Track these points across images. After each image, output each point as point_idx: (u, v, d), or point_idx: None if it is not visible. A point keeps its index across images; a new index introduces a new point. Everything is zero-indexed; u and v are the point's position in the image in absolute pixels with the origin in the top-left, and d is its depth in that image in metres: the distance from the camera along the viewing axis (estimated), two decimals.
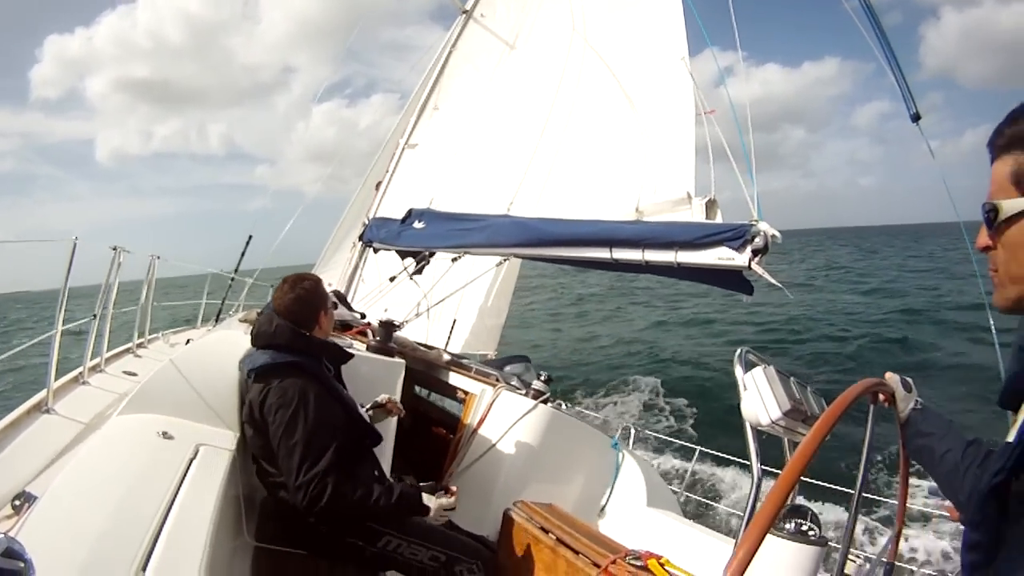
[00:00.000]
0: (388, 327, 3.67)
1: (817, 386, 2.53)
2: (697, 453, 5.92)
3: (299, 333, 2.56)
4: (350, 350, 3.27)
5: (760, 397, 2.09)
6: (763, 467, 2.32)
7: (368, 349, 3.44)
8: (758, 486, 2.22)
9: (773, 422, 2.09)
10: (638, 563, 2.52)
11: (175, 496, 1.92)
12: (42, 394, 3.18)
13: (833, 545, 3.93)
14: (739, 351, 2.32)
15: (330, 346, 2.74)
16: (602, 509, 3.58)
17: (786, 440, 2.54)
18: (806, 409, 2.16)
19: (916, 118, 3.63)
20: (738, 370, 2.23)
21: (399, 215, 4.43)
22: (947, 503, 1.68)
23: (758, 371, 2.13)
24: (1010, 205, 0.98)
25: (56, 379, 3.30)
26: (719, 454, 6.44)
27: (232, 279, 7.04)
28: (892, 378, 1.65)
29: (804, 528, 2.28)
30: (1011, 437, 0.88)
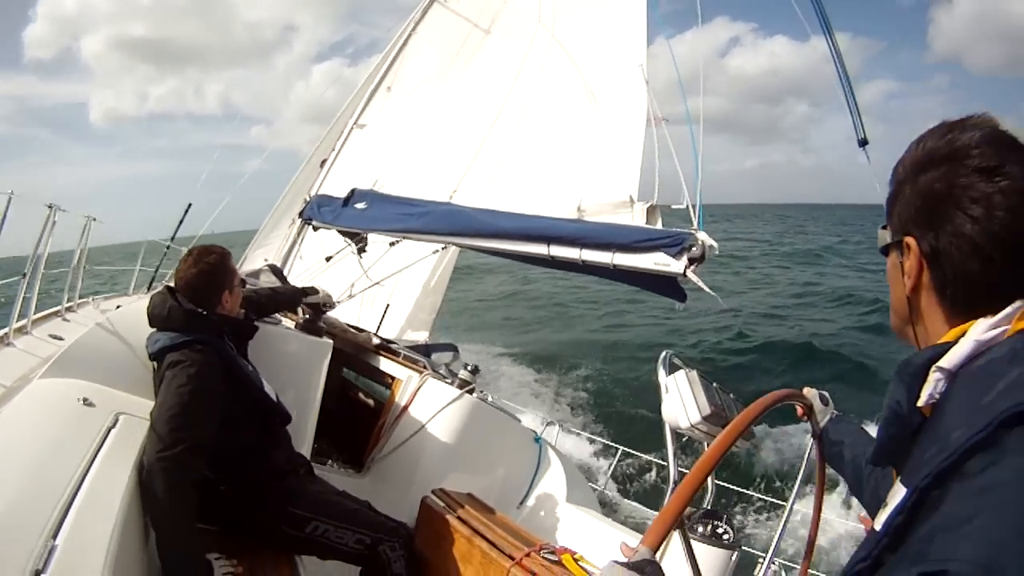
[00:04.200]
0: (277, 272, 3.64)
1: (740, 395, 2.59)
2: (620, 452, 6.02)
3: (193, 313, 2.44)
4: (277, 327, 3.20)
5: (681, 400, 2.12)
6: (681, 469, 2.37)
7: (296, 327, 3.38)
8: (675, 485, 2.26)
9: (693, 425, 2.12)
10: (552, 557, 2.55)
11: (91, 464, 1.87)
12: None
13: (749, 550, 4.07)
14: (664, 354, 2.35)
15: (231, 321, 2.62)
16: (521, 502, 3.61)
17: (706, 444, 2.60)
18: (726, 415, 2.21)
19: (863, 143, 3.73)
20: (661, 373, 2.26)
21: (341, 194, 4.36)
22: (863, 514, 1.76)
23: (680, 375, 2.17)
24: (881, 236, 0.97)
25: None
26: (641, 454, 6.58)
27: (168, 247, 6.80)
28: (811, 392, 1.71)
29: (719, 531, 2.33)
30: (879, 524, 0.82)
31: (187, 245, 6.70)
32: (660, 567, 0.89)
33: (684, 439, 2.35)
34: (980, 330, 0.82)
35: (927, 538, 0.69)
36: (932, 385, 0.83)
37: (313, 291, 3.45)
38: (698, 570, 1.23)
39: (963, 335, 0.83)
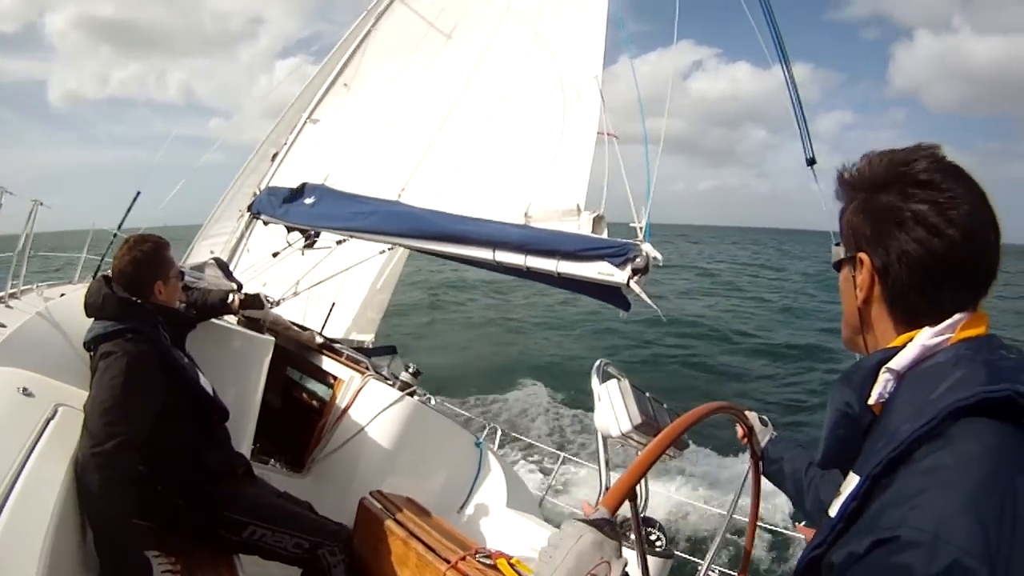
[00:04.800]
0: (223, 266, 3.59)
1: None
2: (561, 459, 6.07)
3: (128, 302, 2.41)
4: (217, 321, 3.14)
5: (612, 409, 2.14)
6: (613, 474, 2.39)
7: (238, 323, 3.32)
8: (605, 492, 2.28)
9: (624, 434, 2.14)
10: (487, 561, 2.56)
11: (28, 456, 1.84)
12: None
13: (686, 557, 4.13)
14: (597, 363, 2.37)
15: (166, 311, 2.60)
16: (462, 507, 3.61)
17: (636, 453, 2.63)
18: (658, 425, 2.24)
19: (811, 162, 3.84)
20: (594, 381, 2.28)
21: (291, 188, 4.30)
22: (801, 524, 1.84)
23: (612, 384, 2.19)
24: (835, 252, 1.04)
25: None
26: (582, 461, 6.66)
27: (115, 235, 6.60)
28: (751, 415, 1.78)
29: (652, 538, 2.37)
30: (833, 512, 0.88)
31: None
32: (616, 527, 0.94)
33: (621, 447, 2.37)
34: (926, 336, 0.90)
35: (878, 513, 0.77)
36: (882, 385, 0.91)
37: (256, 303, 3.37)
38: (643, 546, 1.27)
39: (910, 341, 0.91)
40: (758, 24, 4.05)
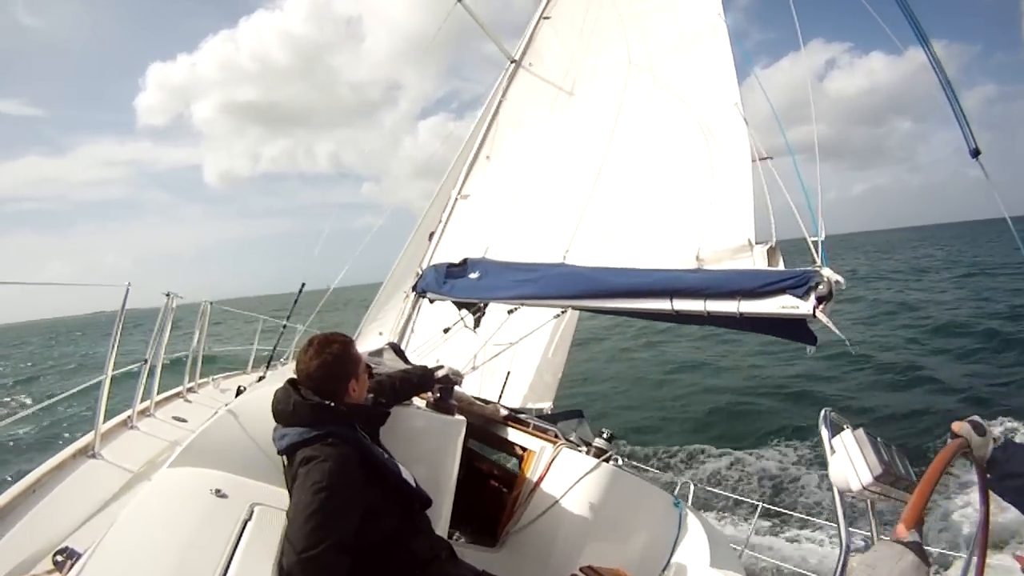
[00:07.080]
0: (398, 351, 3.66)
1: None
2: (759, 509, 5.65)
3: (321, 406, 2.35)
4: (409, 408, 3.21)
5: (850, 461, 1.98)
6: (853, 530, 2.20)
7: (427, 406, 3.39)
8: (846, 551, 2.08)
9: (865, 487, 1.97)
10: None
11: (230, 560, 1.82)
12: (89, 437, 3.15)
13: None
14: (823, 412, 2.21)
15: (360, 410, 2.53)
16: (663, 570, 3.43)
17: (868, 504, 2.40)
18: (895, 471, 2.05)
19: (976, 153, 3.50)
20: (824, 433, 2.12)
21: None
22: (1019, 553, 1.66)
23: (847, 434, 2.03)
24: None
25: (104, 422, 3.27)
26: (783, 510, 6.17)
27: (284, 327, 7.12)
28: (961, 427, 1.67)
29: None
30: None
31: (304, 310, 6.98)
32: (922, 546, 1.04)
33: (853, 499, 2.17)
34: None
35: None
36: None
37: (438, 368, 3.37)
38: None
39: None
40: (890, 9, 3.80)
